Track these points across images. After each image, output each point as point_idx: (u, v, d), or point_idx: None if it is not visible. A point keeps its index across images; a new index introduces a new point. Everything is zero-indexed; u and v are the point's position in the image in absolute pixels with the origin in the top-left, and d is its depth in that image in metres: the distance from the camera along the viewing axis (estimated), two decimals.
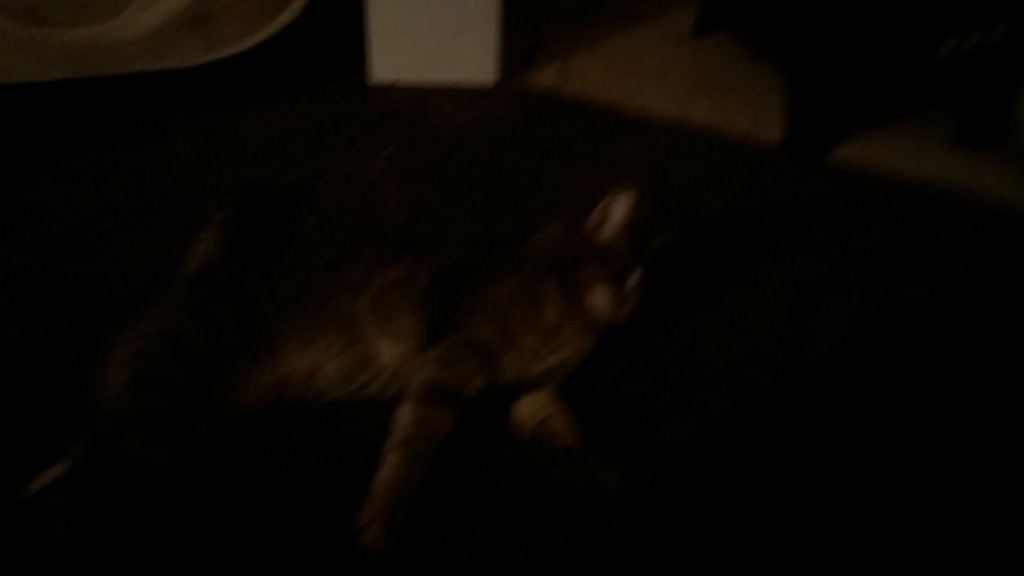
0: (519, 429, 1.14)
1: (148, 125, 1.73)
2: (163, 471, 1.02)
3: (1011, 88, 1.75)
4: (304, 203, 1.56)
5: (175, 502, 1.03)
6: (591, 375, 1.22)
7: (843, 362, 1.28)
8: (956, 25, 1.67)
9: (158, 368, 1.07)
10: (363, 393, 1.15)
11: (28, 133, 1.68)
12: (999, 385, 1.26)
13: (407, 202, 1.58)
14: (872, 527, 1.06)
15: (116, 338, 1.12)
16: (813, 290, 1.41)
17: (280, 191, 1.57)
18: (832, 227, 1.56)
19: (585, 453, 1.09)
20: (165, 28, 1.71)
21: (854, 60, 1.74)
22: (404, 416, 1.06)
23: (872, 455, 1.15)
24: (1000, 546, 1.05)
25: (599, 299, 1.16)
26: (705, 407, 1.20)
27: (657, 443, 1.15)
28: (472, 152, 1.74)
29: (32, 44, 1.64)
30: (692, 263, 1.46)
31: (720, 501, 1.08)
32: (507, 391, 1.15)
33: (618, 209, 1.19)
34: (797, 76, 1.85)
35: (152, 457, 1.01)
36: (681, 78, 2.06)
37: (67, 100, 1.71)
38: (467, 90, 1.93)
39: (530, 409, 1.14)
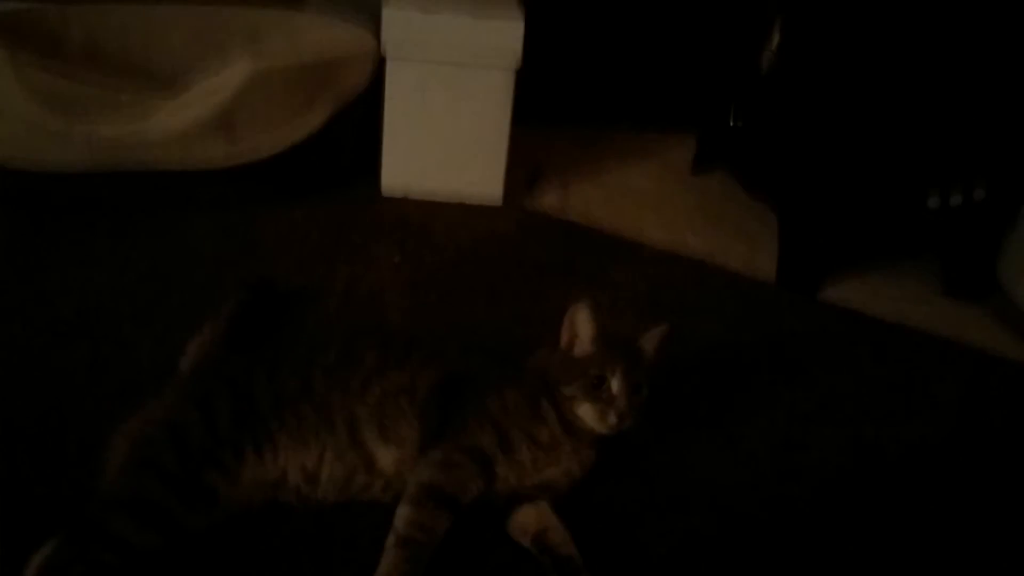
0: (519, 535, 1.15)
1: (166, 218, 1.79)
2: (145, 557, 1.01)
3: (995, 242, 1.84)
4: (310, 305, 1.60)
5: None
6: (586, 490, 1.23)
7: (832, 495, 1.30)
8: (943, 180, 1.77)
9: (153, 454, 1.08)
10: (361, 496, 1.16)
11: (52, 219, 1.74)
12: (983, 522, 1.28)
13: (411, 311, 1.62)
14: None
15: (118, 424, 1.13)
16: (805, 423, 1.45)
17: (288, 292, 1.61)
18: (824, 363, 1.61)
19: (581, 568, 1.09)
20: (192, 132, 1.80)
21: (843, 206, 1.84)
22: (402, 516, 1.07)
23: None
24: None
25: (582, 414, 1.18)
26: (695, 529, 1.21)
27: (647, 560, 1.15)
28: (476, 266, 1.80)
29: (64, 137, 1.72)
30: (686, 389, 1.49)
31: None
32: (506, 498, 1.16)
33: (580, 320, 1.20)
34: (788, 217, 1.94)
35: (137, 540, 1.01)
36: (678, 210, 2.16)
37: (91, 191, 1.78)
38: (474, 206, 2.01)
39: (530, 517, 1.15)
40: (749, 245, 2.02)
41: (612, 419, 1.16)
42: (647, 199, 2.20)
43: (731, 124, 2.15)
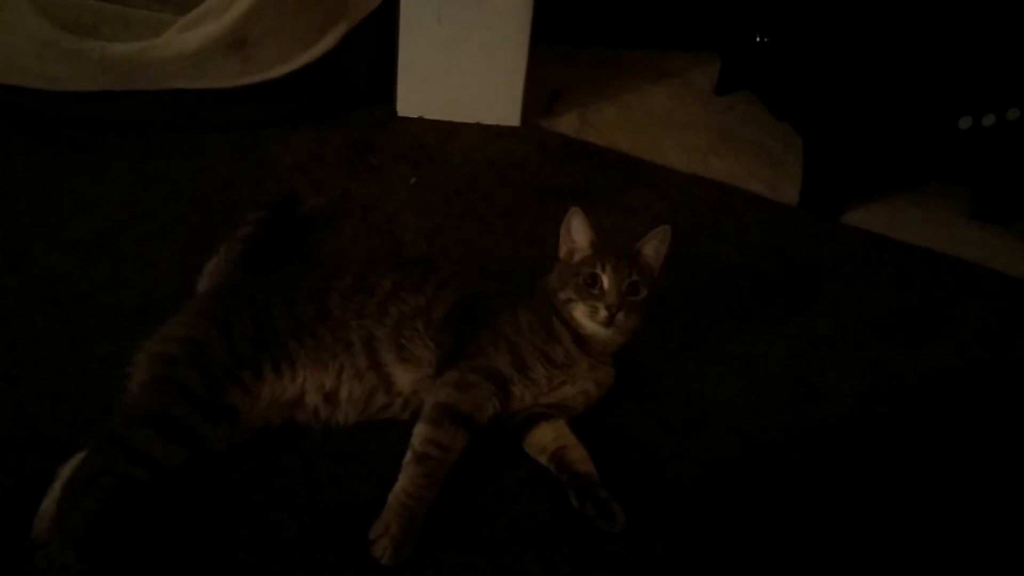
0: (537, 453, 1.16)
1: (182, 140, 1.77)
2: (170, 473, 1.03)
3: None
4: (327, 226, 1.59)
5: (186, 507, 1.05)
6: (600, 412, 1.24)
7: (851, 419, 1.30)
8: (975, 99, 1.72)
9: (175, 371, 1.09)
10: (379, 416, 1.18)
11: (68, 140, 1.73)
12: (1004, 449, 1.28)
13: (427, 232, 1.61)
14: None
15: (140, 341, 1.14)
16: (824, 347, 1.44)
17: (304, 213, 1.60)
18: (845, 286, 1.59)
19: (600, 485, 1.11)
20: (205, 49, 1.76)
21: (871, 126, 1.79)
22: (419, 435, 1.09)
23: (875, 511, 1.16)
24: None
25: (577, 316, 1.18)
26: (711, 451, 1.21)
27: (664, 483, 1.16)
28: (492, 188, 1.78)
29: (77, 55, 1.69)
30: (704, 311, 1.48)
31: (723, 543, 1.09)
32: (523, 417, 1.17)
33: (574, 226, 1.22)
34: (813, 137, 1.90)
35: (161, 455, 1.03)
36: (700, 133, 2.11)
37: (106, 111, 1.76)
38: (491, 128, 1.97)
39: (547, 435, 1.16)
40: (773, 168, 1.98)
41: (602, 313, 1.16)
42: (668, 121, 2.15)
43: (757, 41, 2.09)
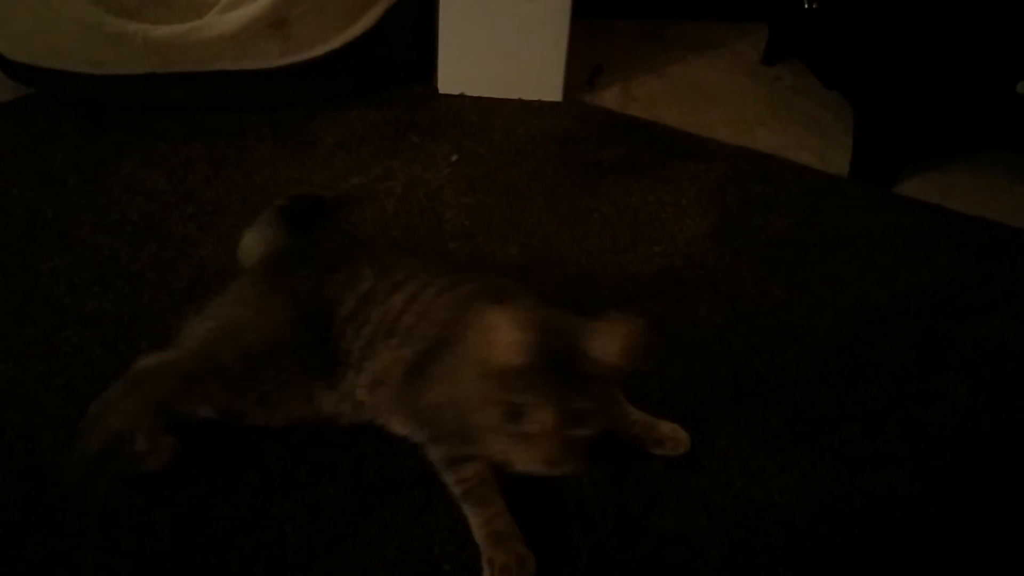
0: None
1: (225, 121, 1.79)
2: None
3: None
4: (368, 204, 1.59)
5: (232, 481, 1.06)
6: (649, 385, 1.22)
7: (904, 393, 1.26)
8: None
9: (211, 348, 1.08)
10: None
11: (114, 123, 1.76)
12: None
13: (469, 209, 1.61)
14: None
15: (182, 320, 1.15)
16: (876, 319, 1.40)
17: (346, 191, 1.61)
18: (897, 257, 1.55)
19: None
20: (246, 30, 1.78)
21: (924, 92, 1.73)
22: (448, 482, 1.03)
23: (925, 486, 1.13)
24: None
25: (498, 454, 0.95)
26: (759, 426, 1.19)
27: (711, 455, 1.14)
28: (535, 164, 1.76)
29: (122, 39, 1.72)
30: (752, 284, 1.46)
31: (769, 515, 1.07)
32: None
33: (496, 333, 0.90)
34: (864, 105, 1.84)
35: (202, 414, 1.05)
36: (747, 104, 2.07)
37: (151, 94, 1.79)
38: (533, 103, 1.96)
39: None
40: (822, 138, 1.93)
41: (537, 466, 0.90)
42: (714, 92, 2.11)
43: (805, 8, 2.03)
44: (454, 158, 1.75)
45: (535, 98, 1.97)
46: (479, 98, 1.96)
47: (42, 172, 1.61)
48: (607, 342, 0.89)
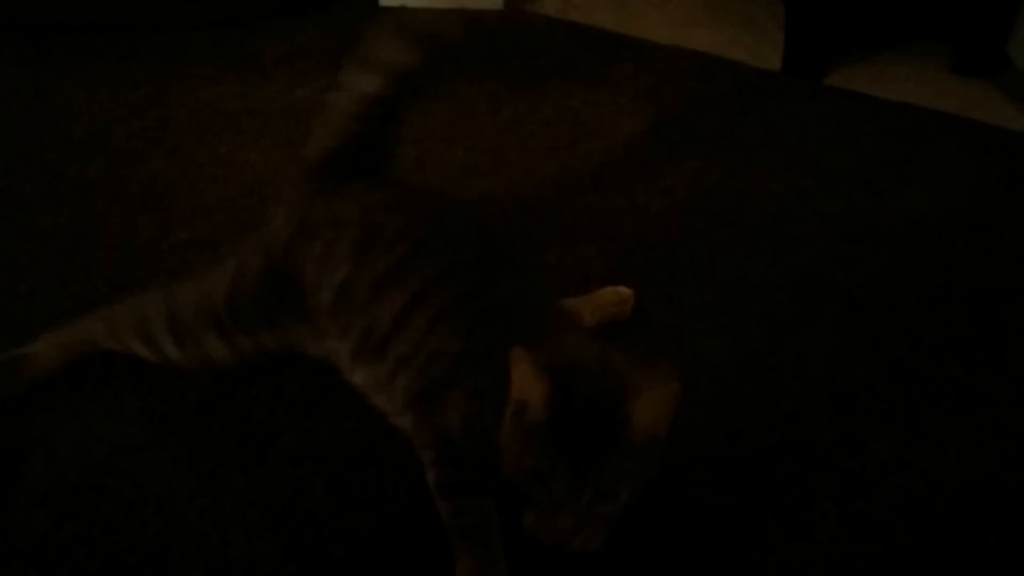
0: None
1: (165, 40, 1.79)
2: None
3: (1009, 15, 1.78)
4: (315, 116, 1.61)
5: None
6: (590, 268, 1.29)
7: (825, 262, 1.34)
8: None
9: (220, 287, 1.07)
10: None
11: (53, 44, 1.75)
12: (974, 287, 1.32)
13: (411, 118, 1.63)
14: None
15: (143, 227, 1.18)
16: (804, 200, 1.47)
17: (292, 103, 1.63)
18: (826, 143, 1.62)
19: None
20: None
21: None
22: (442, 512, 0.90)
23: (840, 345, 1.21)
24: None
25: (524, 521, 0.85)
26: (693, 297, 1.26)
27: (648, 328, 1.21)
28: (478, 72, 1.79)
29: None
30: (688, 174, 1.52)
31: (704, 374, 1.14)
32: None
33: (521, 377, 0.79)
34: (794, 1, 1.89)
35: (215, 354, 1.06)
36: (684, 6, 2.11)
37: (90, 12, 1.77)
38: (475, 12, 1.97)
39: None
40: (756, 37, 1.98)
41: (553, 536, 0.80)
42: None
43: None
44: None
45: (477, 6, 1.99)
46: (420, 9, 1.97)
47: None
48: (652, 406, 0.78)
